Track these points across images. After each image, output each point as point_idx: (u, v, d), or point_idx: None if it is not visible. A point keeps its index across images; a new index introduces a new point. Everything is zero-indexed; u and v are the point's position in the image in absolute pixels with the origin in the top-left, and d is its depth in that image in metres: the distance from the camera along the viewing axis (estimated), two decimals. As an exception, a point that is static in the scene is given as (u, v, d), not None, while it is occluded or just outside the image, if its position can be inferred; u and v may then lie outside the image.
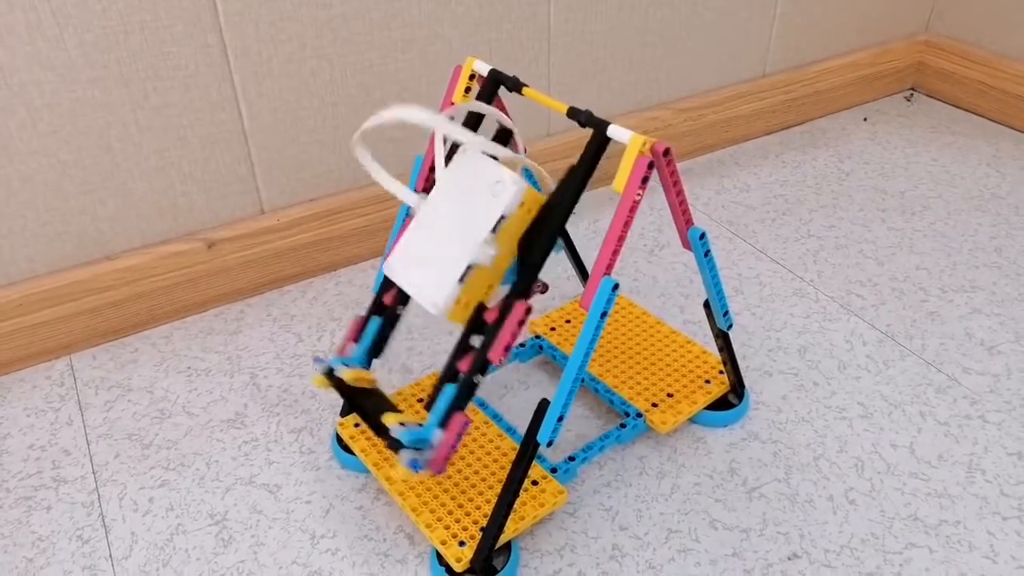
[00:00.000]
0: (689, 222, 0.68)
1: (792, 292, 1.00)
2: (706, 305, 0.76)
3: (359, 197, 1.02)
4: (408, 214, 0.74)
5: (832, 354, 0.91)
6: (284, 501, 0.75)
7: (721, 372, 0.83)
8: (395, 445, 0.60)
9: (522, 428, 0.81)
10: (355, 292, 1.01)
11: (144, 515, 0.74)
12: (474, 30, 1.00)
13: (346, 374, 0.66)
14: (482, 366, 0.61)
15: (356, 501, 0.75)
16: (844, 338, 0.93)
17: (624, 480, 0.76)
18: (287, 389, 0.87)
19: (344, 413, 0.80)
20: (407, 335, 0.93)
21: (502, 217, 0.60)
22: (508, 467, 0.72)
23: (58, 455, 0.80)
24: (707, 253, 0.70)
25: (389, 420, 0.62)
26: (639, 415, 0.79)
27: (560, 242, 0.84)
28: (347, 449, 0.78)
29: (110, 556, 0.71)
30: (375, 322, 0.71)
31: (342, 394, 0.68)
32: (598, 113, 1.17)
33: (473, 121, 0.71)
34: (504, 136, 0.71)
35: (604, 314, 0.61)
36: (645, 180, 0.59)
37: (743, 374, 0.88)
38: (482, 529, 0.67)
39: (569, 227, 1.11)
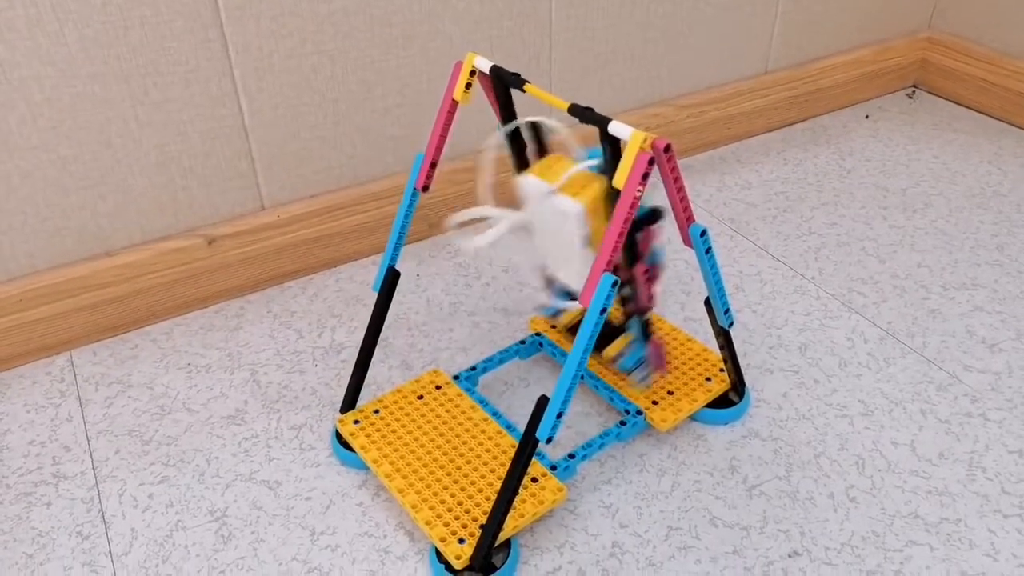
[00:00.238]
0: (690, 219, 0.68)
1: (793, 289, 1.00)
2: (707, 302, 0.75)
3: (360, 193, 1.02)
4: (407, 213, 0.74)
5: (833, 352, 0.90)
6: (284, 498, 0.75)
7: (722, 370, 0.83)
8: (625, 369, 0.80)
9: (522, 425, 0.81)
10: (355, 288, 1.01)
11: (144, 511, 0.74)
12: (475, 26, 1.00)
13: (569, 315, 0.86)
14: (643, 310, 0.76)
15: (356, 498, 0.75)
16: (845, 335, 0.93)
17: (624, 477, 0.76)
18: (287, 385, 0.87)
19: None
20: (407, 332, 0.93)
21: (585, 235, 0.67)
22: (508, 464, 0.72)
23: (58, 451, 0.80)
24: (708, 250, 0.70)
25: (612, 351, 0.79)
26: (639, 412, 0.79)
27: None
28: (346, 446, 0.77)
29: (110, 552, 0.71)
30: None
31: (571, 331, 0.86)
32: (600, 109, 1.17)
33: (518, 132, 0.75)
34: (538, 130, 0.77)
35: (604, 310, 0.61)
36: (646, 176, 0.59)
37: (744, 371, 0.87)
38: (482, 526, 0.67)
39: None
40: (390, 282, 0.77)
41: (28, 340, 0.89)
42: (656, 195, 1.18)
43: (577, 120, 0.66)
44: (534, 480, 0.71)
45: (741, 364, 0.88)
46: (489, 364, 0.86)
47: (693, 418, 0.82)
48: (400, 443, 0.75)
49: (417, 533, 0.72)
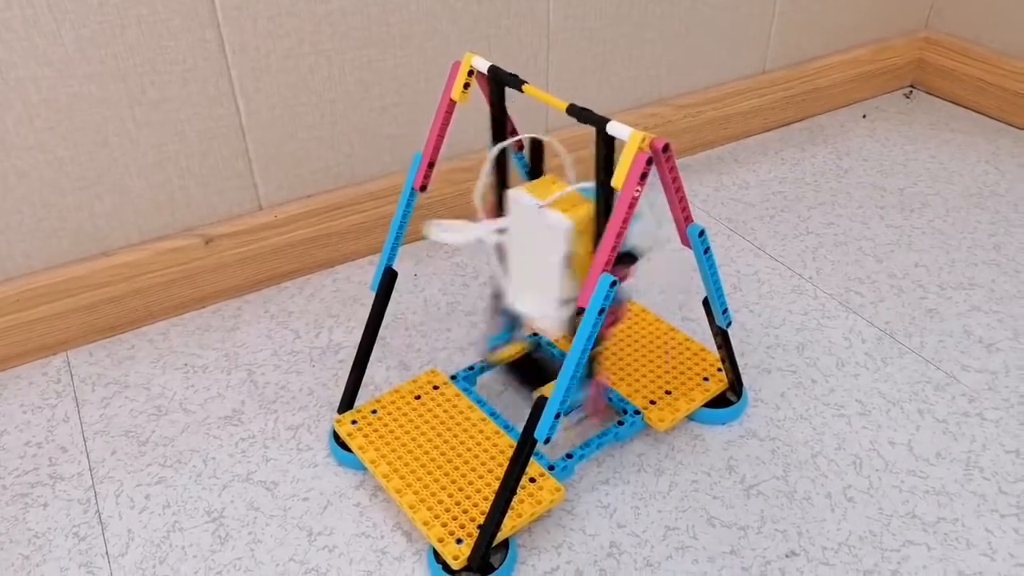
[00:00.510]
0: (688, 219, 0.68)
1: (791, 289, 1.00)
2: (705, 302, 0.75)
3: (357, 193, 1.02)
4: (404, 213, 0.74)
5: (831, 351, 0.90)
6: (281, 498, 0.75)
7: (720, 370, 0.83)
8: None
9: (519, 425, 0.81)
10: (352, 289, 1.01)
11: (141, 512, 0.74)
12: (473, 26, 1.00)
13: (509, 349, 0.81)
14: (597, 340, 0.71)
15: (353, 498, 0.75)
16: (843, 335, 0.93)
17: (622, 477, 0.76)
18: (284, 386, 0.87)
19: (341, 410, 0.79)
20: (405, 332, 0.93)
21: (567, 254, 0.66)
22: (506, 465, 0.72)
23: (55, 452, 0.80)
24: (706, 250, 0.70)
25: (546, 391, 0.70)
26: (637, 412, 0.79)
27: None
28: (344, 446, 0.77)
29: (107, 553, 0.70)
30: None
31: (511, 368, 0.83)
32: (597, 109, 1.17)
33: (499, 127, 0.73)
34: (534, 146, 0.74)
35: (602, 311, 0.61)
36: (644, 176, 0.59)
37: (742, 371, 0.87)
38: (479, 527, 0.67)
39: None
40: (387, 282, 0.77)
41: (25, 340, 0.89)
42: (655, 194, 1.18)
43: (575, 121, 0.66)
44: (532, 480, 0.71)
45: (739, 364, 0.88)
46: (487, 364, 0.85)
47: (691, 418, 0.82)
48: (398, 443, 0.75)
49: (415, 533, 0.72)
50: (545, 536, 0.71)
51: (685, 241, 0.69)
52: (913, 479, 0.76)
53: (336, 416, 0.79)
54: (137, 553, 0.70)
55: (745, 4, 1.21)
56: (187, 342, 0.93)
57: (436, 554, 0.67)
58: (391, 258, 0.76)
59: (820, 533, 0.71)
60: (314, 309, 0.98)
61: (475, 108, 1.05)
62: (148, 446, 0.80)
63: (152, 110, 0.86)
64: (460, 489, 0.70)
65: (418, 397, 0.80)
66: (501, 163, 0.73)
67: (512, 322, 0.81)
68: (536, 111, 1.11)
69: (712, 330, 0.78)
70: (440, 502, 0.69)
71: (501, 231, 0.71)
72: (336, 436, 0.78)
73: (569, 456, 0.75)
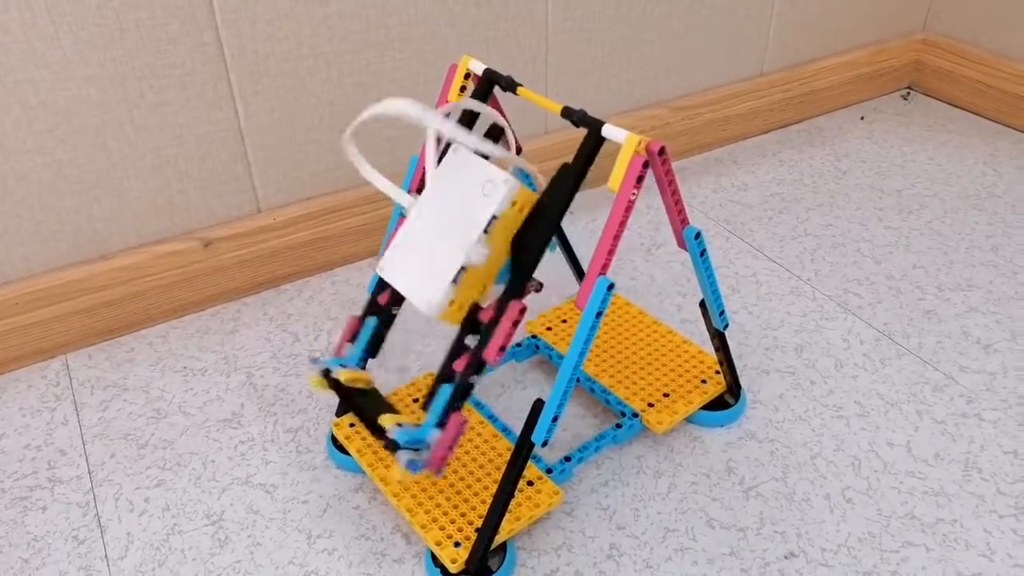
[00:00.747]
0: (684, 221, 0.68)
1: (789, 291, 1.00)
2: (702, 305, 0.75)
3: (355, 196, 1.02)
4: (402, 214, 0.74)
5: (829, 353, 0.91)
6: (280, 501, 0.75)
7: (718, 372, 0.83)
8: (392, 446, 0.60)
9: (518, 428, 0.81)
10: (351, 291, 1.01)
11: (140, 515, 0.74)
12: (471, 29, 1.00)
13: (342, 375, 0.66)
14: (479, 366, 0.61)
15: (353, 501, 0.75)
16: (841, 337, 0.93)
17: (621, 479, 0.76)
18: (284, 389, 0.87)
19: (339, 413, 0.79)
20: (404, 335, 0.93)
21: (494, 217, 0.59)
22: (504, 468, 0.72)
23: (54, 455, 0.80)
24: (703, 253, 0.70)
25: (386, 421, 0.62)
26: (635, 415, 0.79)
27: (554, 241, 0.83)
28: (342, 450, 0.77)
29: (106, 557, 0.70)
30: (371, 322, 0.71)
31: (339, 394, 0.68)
32: (596, 112, 1.17)
33: (467, 120, 0.71)
34: (496, 134, 0.71)
35: (599, 314, 0.61)
36: (640, 179, 0.59)
37: (740, 373, 0.88)
38: (477, 530, 0.67)
39: (566, 226, 1.11)
40: (386, 285, 0.77)
41: (24, 344, 0.89)
42: (653, 196, 1.18)
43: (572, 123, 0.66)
44: (530, 483, 0.71)
45: (737, 366, 0.88)
46: (485, 366, 0.86)
47: (689, 420, 0.82)
48: (396, 446, 0.75)
49: (414, 536, 0.72)
50: (545, 538, 0.71)
51: (682, 244, 0.69)
52: (912, 480, 0.76)
53: (335, 419, 0.79)
54: (136, 556, 0.70)
55: (743, 6, 1.21)
56: (186, 345, 0.93)
57: (434, 557, 0.68)
58: (389, 261, 0.76)
59: (819, 534, 0.71)
60: (313, 312, 0.98)
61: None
62: (147, 449, 0.80)
63: (151, 113, 0.86)
64: (458, 492, 0.71)
65: (416, 400, 0.80)
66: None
67: (371, 347, 0.72)
68: (535, 113, 1.11)
69: (709, 333, 0.78)
70: (438, 505, 0.69)
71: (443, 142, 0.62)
72: (335, 439, 0.78)
73: (567, 459, 0.75)
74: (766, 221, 1.13)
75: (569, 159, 0.63)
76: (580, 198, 1.19)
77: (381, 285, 0.71)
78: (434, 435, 0.61)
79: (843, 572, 0.68)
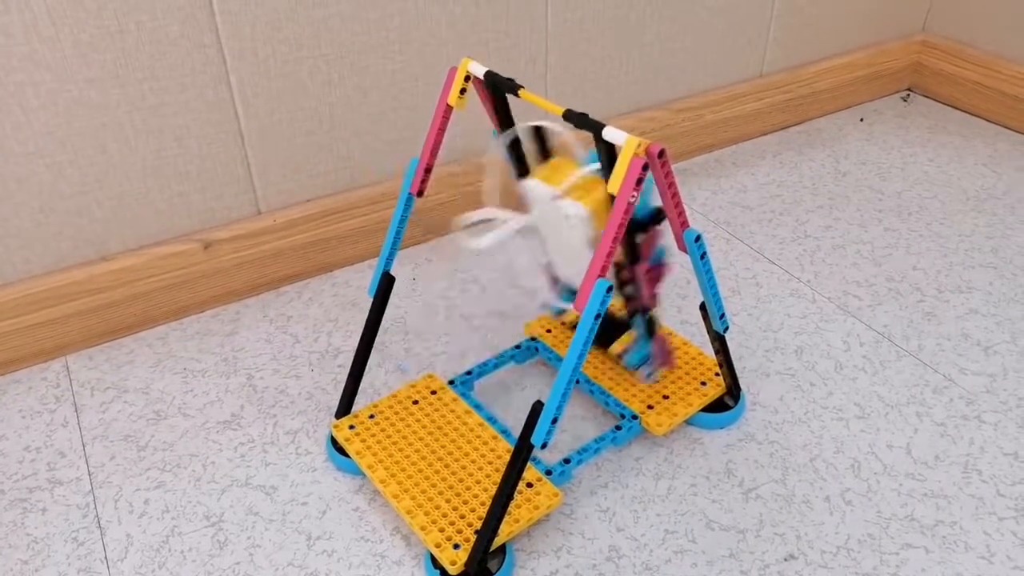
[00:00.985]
0: (684, 224, 0.68)
1: (789, 293, 1.00)
2: (702, 307, 0.76)
3: (355, 198, 1.02)
4: (402, 218, 0.74)
5: (829, 355, 0.91)
6: (280, 503, 0.75)
7: (717, 374, 0.83)
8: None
9: (517, 430, 0.81)
10: (351, 293, 1.01)
11: (140, 517, 0.74)
12: (471, 30, 1.00)
13: (573, 315, 0.87)
14: (645, 308, 0.76)
15: (352, 503, 0.75)
16: (841, 339, 0.93)
17: (621, 481, 0.76)
18: (283, 390, 0.87)
19: (339, 415, 0.79)
20: (403, 337, 0.93)
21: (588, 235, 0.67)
22: (503, 470, 0.72)
23: (53, 457, 0.80)
24: (703, 256, 0.70)
25: (617, 348, 0.80)
26: (635, 417, 0.79)
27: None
28: (342, 451, 0.77)
29: (105, 558, 0.71)
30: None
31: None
32: (596, 113, 1.17)
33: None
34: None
35: (598, 316, 0.61)
36: (640, 182, 0.59)
37: (740, 374, 0.88)
38: (477, 532, 0.67)
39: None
40: (385, 287, 0.77)
41: (24, 345, 0.89)
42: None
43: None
44: (529, 485, 0.71)
45: (737, 368, 0.88)
46: (484, 369, 0.86)
47: (689, 422, 0.82)
48: (395, 448, 0.75)
49: (414, 538, 0.72)
50: (544, 540, 0.72)
51: (682, 246, 0.69)
52: (911, 482, 0.76)
53: (334, 421, 0.79)
54: (136, 558, 0.70)
55: (743, 8, 1.22)
56: (186, 347, 0.93)
57: (434, 559, 0.68)
58: (389, 263, 0.76)
59: (819, 536, 0.71)
60: (313, 313, 0.98)
61: (474, 112, 1.05)
62: (147, 451, 0.80)
63: (151, 115, 0.86)
64: (457, 494, 0.71)
65: (416, 402, 0.80)
66: (515, 155, 0.76)
67: (570, 291, 0.85)
68: (535, 114, 1.11)
69: (709, 335, 0.78)
70: (437, 507, 0.69)
71: (527, 226, 0.73)
72: (334, 441, 0.78)
73: (567, 461, 0.75)
74: (766, 223, 1.13)
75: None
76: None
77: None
78: (654, 347, 0.79)
79: (843, 574, 0.68)
